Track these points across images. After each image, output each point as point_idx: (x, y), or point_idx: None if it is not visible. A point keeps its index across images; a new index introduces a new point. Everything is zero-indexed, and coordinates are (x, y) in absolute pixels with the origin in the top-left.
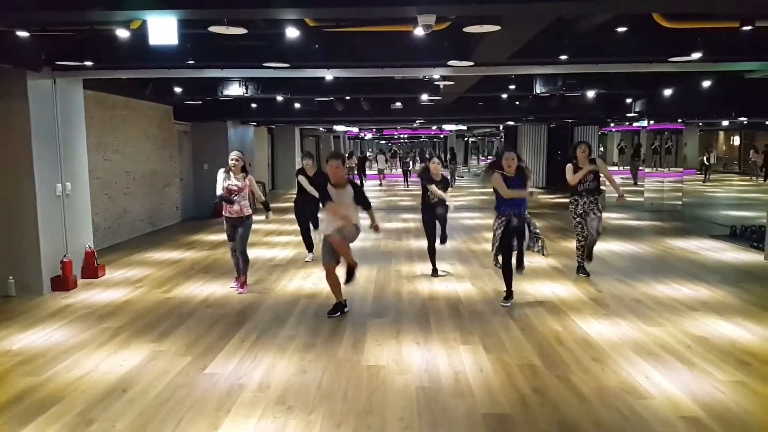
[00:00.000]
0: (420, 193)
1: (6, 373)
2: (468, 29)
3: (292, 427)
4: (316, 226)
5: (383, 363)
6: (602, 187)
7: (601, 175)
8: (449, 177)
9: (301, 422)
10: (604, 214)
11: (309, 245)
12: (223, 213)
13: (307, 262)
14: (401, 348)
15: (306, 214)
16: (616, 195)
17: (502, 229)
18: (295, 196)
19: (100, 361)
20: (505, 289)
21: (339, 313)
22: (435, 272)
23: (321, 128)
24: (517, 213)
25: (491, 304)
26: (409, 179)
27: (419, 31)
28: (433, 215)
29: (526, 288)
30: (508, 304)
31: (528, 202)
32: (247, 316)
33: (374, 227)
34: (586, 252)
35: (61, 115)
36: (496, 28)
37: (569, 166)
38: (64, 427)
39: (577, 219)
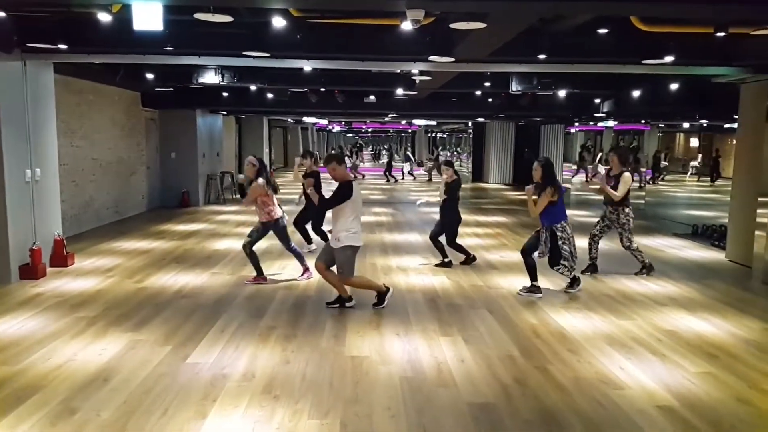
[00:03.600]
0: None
1: None
2: (454, 25)
3: (280, 416)
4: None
5: (366, 354)
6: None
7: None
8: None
9: (289, 410)
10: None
11: (307, 238)
12: None
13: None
14: (383, 339)
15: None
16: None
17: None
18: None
19: (77, 350)
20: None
21: (338, 306)
22: (470, 258)
23: (290, 119)
24: (545, 225)
25: (468, 298)
26: (390, 174)
27: (407, 26)
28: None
29: (500, 282)
30: (539, 295)
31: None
32: (224, 307)
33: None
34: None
35: (30, 99)
36: (482, 25)
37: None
38: (47, 416)
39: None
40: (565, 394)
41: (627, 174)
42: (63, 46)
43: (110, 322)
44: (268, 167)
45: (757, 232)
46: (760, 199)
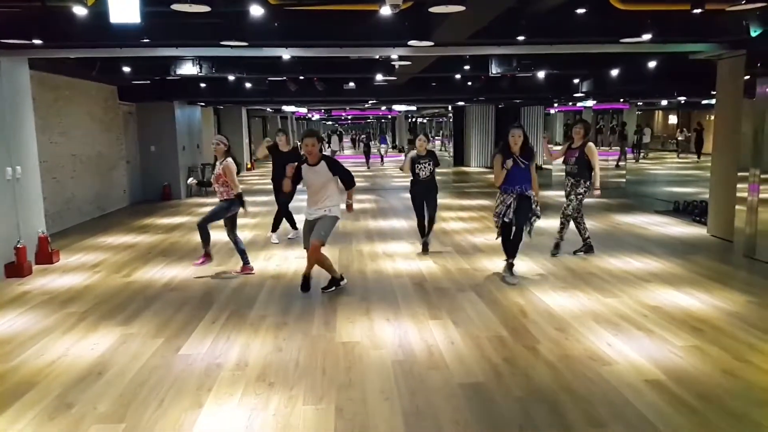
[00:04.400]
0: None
1: None
2: (433, 9)
3: (275, 402)
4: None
5: (357, 339)
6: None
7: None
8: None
9: (284, 397)
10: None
11: (292, 223)
12: None
13: (273, 243)
14: (372, 324)
15: (279, 194)
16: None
17: (504, 207)
18: (271, 173)
19: (69, 345)
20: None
21: (334, 288)
22: (427, 246)
23: (269, 109)
24: (519, 191)
25: (455, 281)
26: (370, 161)
27: (386, 11)
28: (421, 192)
29: (486, 264)
30: (515, 281)
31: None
32: (213, 298)
33: (348, 206)
34: (560, 232)
35: (7, 96)
36: (461, 8)
37: (564, 145)
38: (44, 411)
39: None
40: (554, 371)
41: (591, 144)
42: (38, 42)
43: (100, 317)
44: (249, 157)
45: (737, 207)
46: (739, 173)
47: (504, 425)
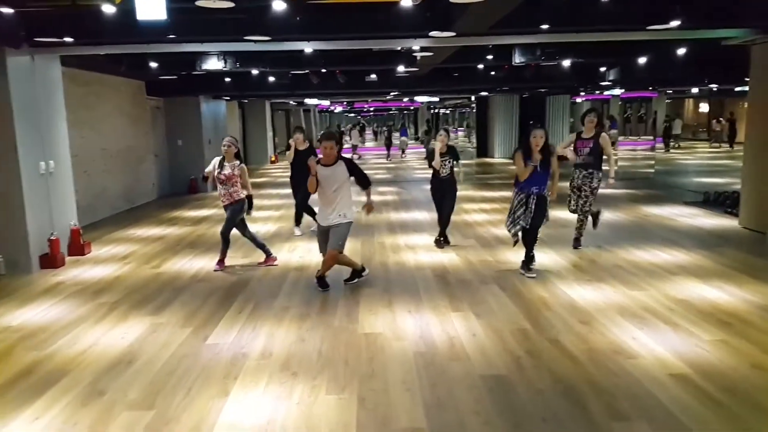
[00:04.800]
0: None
1: (11, 348)
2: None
3: (299, 391)
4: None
5: (379, 330)
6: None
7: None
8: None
9: (307, 386)
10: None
11: (299, 221)
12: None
13: (296, 236)
14: (394, 316)
15: (302, 189)
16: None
17: (523, 208)
18: (290, 171)
19: (100, 335)
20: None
21: (356, 279)
22: (441, 242)
23: (291, 102)
24: (536, 191)
25: (477, 273)
26: (390, 153)
27: (406, 2)
28: (440, 188)
29: (509, 257)
30: (534, 275)
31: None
32: (239, 290)
33: (368, 206)
34: (577, 228)
35: (40, 92)
36: None
37: (571, 135)
38: (77, 396)
39: (569, 192)
40: (577, 364)
41: (604, 134)
42: (69, 39)
43: (131, 307)
44: (273, 150)
45: None
46: None
47: (526, 417)
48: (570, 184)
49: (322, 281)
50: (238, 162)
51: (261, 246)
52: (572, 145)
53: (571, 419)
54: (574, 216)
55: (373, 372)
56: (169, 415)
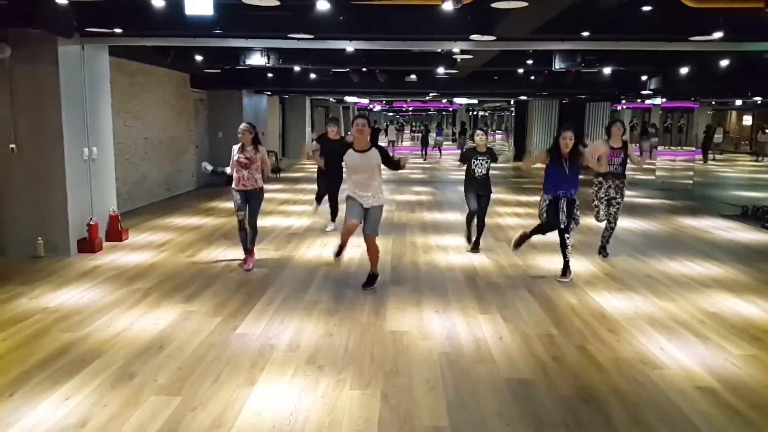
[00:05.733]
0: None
1: (47, 329)
2: (496, 5)
3: (324, 385)
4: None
5: (405, 329)
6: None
7: (629, 159)
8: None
9: (332, 380)
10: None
11: (333, 214)
12: (234, 185)
13: (327, 231)
14: (422, 315)
15: (330, 183)
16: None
17: (546, 208)
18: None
19: (134, 319)
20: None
21: (372, 285)
22: (473, 246)
23: (331, 99)
24: (565, 193)
25: (507, 276)
26: (427, 152)
27: (448, 6)
28: (475, 189)
29: (540, 263)
30: (567, 280)
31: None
32: (270, 282)
33: (402, 160)
34: (606, 236)
35: (88, 80)
36: (524, 4)
37: (599, 143)
38: (108, 379)
39: (595, 202)
40: (603, 372)
41: (598, 141)
42: (118, 30)
43: (164, 294)
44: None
45: None
46: None
47: (549, 422)
48: (597, 193)
49: (372, 279)
50: (255, 147)
51: (252, 242)
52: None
53: (593, 426)
54: (598, 224)
55: (398, 369)
56: (196, 401)
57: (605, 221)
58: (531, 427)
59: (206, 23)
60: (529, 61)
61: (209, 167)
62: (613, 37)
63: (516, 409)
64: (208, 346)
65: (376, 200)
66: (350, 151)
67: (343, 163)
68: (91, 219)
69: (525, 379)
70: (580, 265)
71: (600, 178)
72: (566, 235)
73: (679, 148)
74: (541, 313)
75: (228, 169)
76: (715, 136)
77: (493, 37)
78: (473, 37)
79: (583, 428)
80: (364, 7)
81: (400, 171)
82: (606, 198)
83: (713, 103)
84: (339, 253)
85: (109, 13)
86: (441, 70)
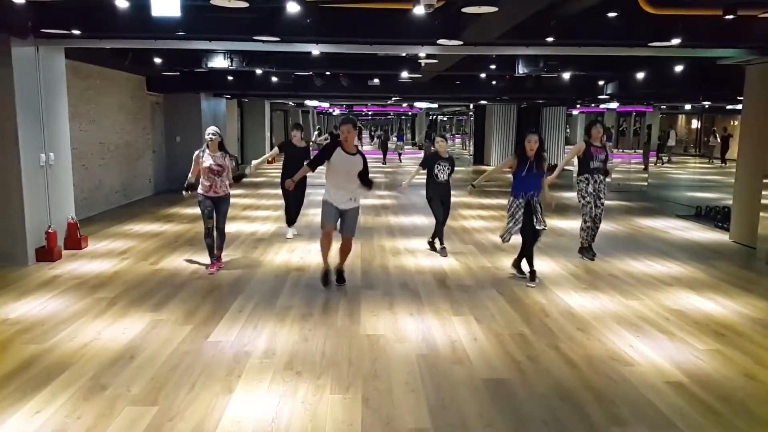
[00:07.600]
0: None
1: (9, 341)
2: (466, 9)
3: (303, 390)
4: (299, 205)
5: (381, 332)
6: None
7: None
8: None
9: (311, 386)
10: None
11: (290, 221)
12: (203, 192)
13: (288, 238)
14: (396, 318)
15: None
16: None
17: (521, 210)
18: (281, 170)
19: (101, 329)
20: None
21: (326, 283)
22: (434, 244)
23: (291, 103)
24: (533, 194)
25: (477, 279)
26: (387, 157)
27: (419, 10)
28: (437, 195)
29: (507, 263)
30: (535, 284)
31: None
32: (239, 288)
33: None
34: (592, 235)
35: (43, 83)
36: (494, 9)
37: (581, 144)
38: (79, 391)
39: (587, 198)
40: (577, 370)
41: (581, 143)
42: (76, 32)
43: (130, 303)
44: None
45: (761, 214)
46: (765, 180)
47: (528, 420)
48: (585, 189)
49: (341, 276)
50: (224, 152)
51: (220, 248)
52: (577, 154)
53: (572, 423)
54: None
55: (377, 373)
56: (173, 411)
57: (590, 221)
58: (512, 426)
59: (170, 25)
60: (493, 66)
61: (185, 193)
62: (577, 42)
63: (495, 408)
64: (180, 355)
65: (353, 202)
66: (339, 150)
67: (326, 163)
68: (49, 227)
69: (502, 378)
70: (545, 265)
71: (586, 175)
72: (540, 238)
73: (633, 151)
74: (512, 313)
75: (191, 177)
76: (669, 139)
77: (460, 42)
78: (440, 41)
79: (562, 425)
80: (332, 10)
81: (367, 190)
82: (594, 193)
83: (663, 107)
84: (326, 277)
85: (66, 14)
86: (405, 74)
